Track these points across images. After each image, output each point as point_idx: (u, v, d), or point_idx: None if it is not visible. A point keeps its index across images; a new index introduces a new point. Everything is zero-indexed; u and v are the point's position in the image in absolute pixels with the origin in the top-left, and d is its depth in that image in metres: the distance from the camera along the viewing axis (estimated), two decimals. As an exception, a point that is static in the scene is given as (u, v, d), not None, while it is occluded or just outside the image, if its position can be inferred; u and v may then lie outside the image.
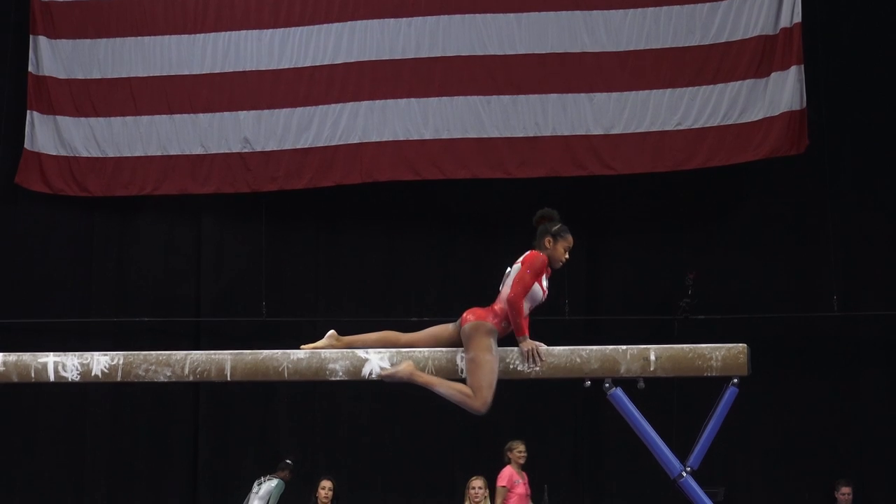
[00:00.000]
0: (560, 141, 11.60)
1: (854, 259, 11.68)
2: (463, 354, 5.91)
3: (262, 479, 10.91)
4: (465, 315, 6.09)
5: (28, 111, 12.03)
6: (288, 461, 10.98)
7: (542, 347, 5.87)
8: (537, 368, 5.84)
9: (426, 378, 5.94)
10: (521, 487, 10.24)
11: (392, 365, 5.94)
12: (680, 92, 11.50)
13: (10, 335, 11.22)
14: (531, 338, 5.98)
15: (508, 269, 6.25)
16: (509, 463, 10.31)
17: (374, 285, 12.14)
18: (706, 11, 11.53)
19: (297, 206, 12.14)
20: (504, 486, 10.20)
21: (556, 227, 6.25)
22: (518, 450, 10.31)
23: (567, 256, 6.28)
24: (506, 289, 6.11)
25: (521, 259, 6.20)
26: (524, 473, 10.31)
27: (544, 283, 6.19)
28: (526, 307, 6.09)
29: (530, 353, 5.85)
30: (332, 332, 6.21)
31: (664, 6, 11.59)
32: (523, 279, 6.03)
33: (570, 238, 6.26)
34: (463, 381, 5.95)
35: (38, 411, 12.09)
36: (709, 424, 5.67)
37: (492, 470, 11.19)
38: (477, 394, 5.87)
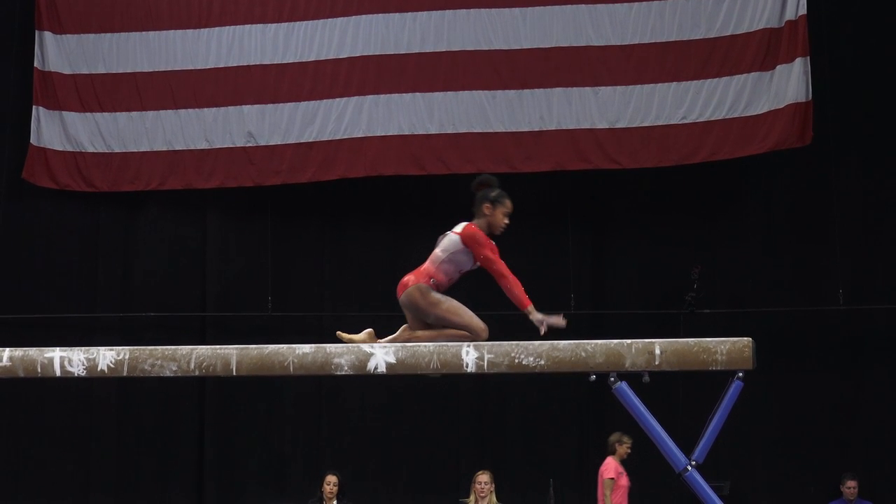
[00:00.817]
0: (565, 135, 11.59)
1: (860, 252, 11.67)
2: (468, 348, 5.91)
3: None
4: (398, 289, 6.27)
5: (34, 107, 12.04)
6: None
7: (553, 318, 5.94)
8: (563, 323, 5.88)
9: (426, 337, 6.13)
10: (625, 479, 10.15)
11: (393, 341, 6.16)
12: (685, 85, 11.50)
13: (16, 330, 11.27)
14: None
15: (443, 235, 6.32)
16: (612, 454, 10.20)
17: (380, 280, 12.13)
18: (711, 4, 11.52)
19: (303, 201, 12.15)
20: (612, 478, 10.06)
21: (494, 193, 6.34)
22: (627, 444, 10.20)
23: (507, 221, 6.35)
24: (438, 252, 6.27)
25: (458, 231, 6.25)
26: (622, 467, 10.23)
27: None
28: (455, 275, 6.25)
29: (544, 322, 5.91)
30: (370, 330, 6.31)
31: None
32: (488, 258, 6.13)
33: (508, 203, 6.33)
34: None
35: (44, 407, 12.10)
36: (714, 418, 5.66)
37: (497, 465, 11.20)
38: (471, 329, 6.12)
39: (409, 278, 6.30)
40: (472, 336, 6.12)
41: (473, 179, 6.48)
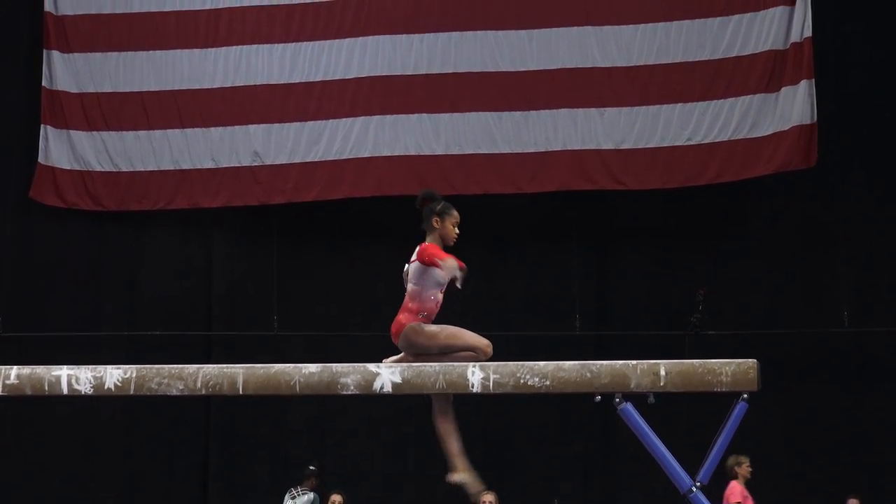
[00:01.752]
0: (571, 156, 11.63)
1: (864, 275, 11.68)
2: (474, 368, 5.93)
3: (295, 491, 10.89)
4: (392, 335, 6.28)
5: (42, 125, 12.09)
6: (311, 468, 10.96)
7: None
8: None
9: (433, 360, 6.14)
10: (751, 503, 9.88)
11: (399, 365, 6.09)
12: (690, 107, 11.53)
13: (24, 348, 11.27)
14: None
15: (406, 266, 6.34)
16: (735, 479, 9.86)
17: (385, 300, 12.13)
18: (717, 26, 11.56)
19: (308, 221, 12.17)
20: (739, 503, 9.82)
21: (439, 206, 6.32)
22: (746, 465, 9.89)
23: (457, 231, 6.35)
24: (411, 286, 6.26)
25: (415, 258, 6.27)
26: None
27: None
28: (439, 295, 6.25)
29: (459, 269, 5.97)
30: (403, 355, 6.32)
31: (675, 21, 11.61)
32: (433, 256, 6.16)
33: (455, 213, 6.33)
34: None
35: (51, 424, 12.10)
36: (719, 439, 5.67)
37: (502, 485, 11.18)
38: (475, 348, 6.17)
39: (400, 321, 6.29)
40: (477, 355, 6.14)
41: (431, 200, 6.39)
